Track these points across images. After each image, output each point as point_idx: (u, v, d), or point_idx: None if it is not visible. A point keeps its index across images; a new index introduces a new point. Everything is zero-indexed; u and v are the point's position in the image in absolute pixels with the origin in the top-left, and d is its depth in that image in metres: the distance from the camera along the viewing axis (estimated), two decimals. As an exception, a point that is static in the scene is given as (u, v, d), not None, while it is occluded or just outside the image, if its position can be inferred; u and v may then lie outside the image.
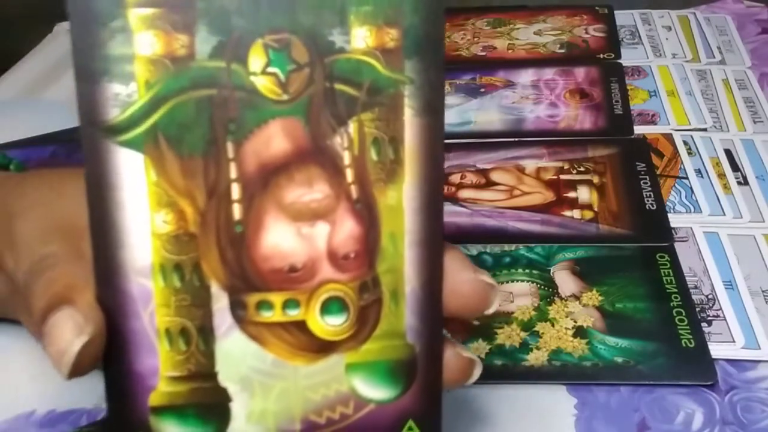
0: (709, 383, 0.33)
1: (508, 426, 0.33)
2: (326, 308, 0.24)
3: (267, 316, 0.24)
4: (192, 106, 0.23)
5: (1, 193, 0.34)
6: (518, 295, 0.38)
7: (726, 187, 0.44)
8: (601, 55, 0.57)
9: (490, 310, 0.26)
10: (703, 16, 0.60)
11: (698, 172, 0.45)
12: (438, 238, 0.25)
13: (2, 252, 0.32)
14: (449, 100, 0.53)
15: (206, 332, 0.24)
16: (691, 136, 0.48)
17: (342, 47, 0.23)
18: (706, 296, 0.37)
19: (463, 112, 0.52)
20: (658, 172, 0.45)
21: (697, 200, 0.43)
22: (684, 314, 0.36)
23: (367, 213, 0.24)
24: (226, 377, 0.24)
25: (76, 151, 0.50)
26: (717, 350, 0.35)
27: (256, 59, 0.23)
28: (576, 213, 0.43)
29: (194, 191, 0.23)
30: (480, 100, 0.53)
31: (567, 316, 0.37)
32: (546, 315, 0.37)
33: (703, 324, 0.36)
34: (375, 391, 0.25)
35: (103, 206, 0.23)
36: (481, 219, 0.43)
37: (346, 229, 0.24)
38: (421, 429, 0.25)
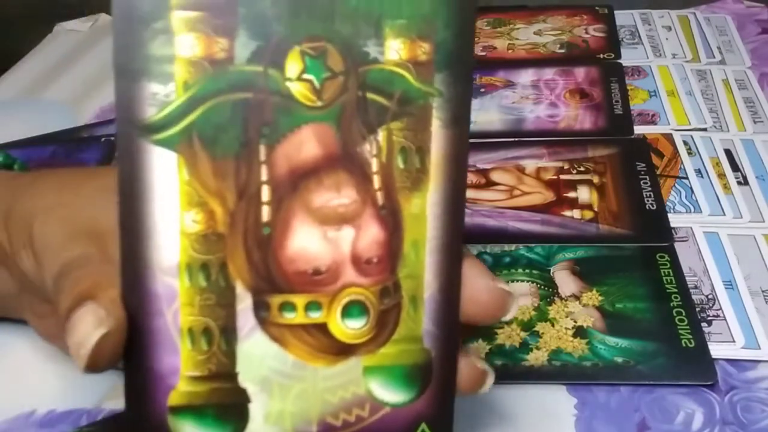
0: (709, 383, 0.33)
1: (508, 426, 0.33)
2: (347, 312, 0.25)
3: (289, 317, 0.24)
4: (228, 109, 0.23)
5: (15, 192, 0.33)
6: (518, 295, 0.38)
7: (726, 187, 0.44)
8: (601, 55, 0.57)
9: (507, 317, 0.26)
10: (703, 16, 0.60)
11: (698, 172, 0.45)
12: (458, 245, 0.25)
13: (17, 251, 0.32)
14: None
15: (229, 332, 0.24)
16: (691, 136, 0.48)
17: (376, 58, 0.24)
18: (706, 296, 0.37)
19: (463, 112, 0.51)
20: (658, 172, 0.45)
21: (697, 200, 0.43)
22: (684, 314, 0.36)
23: (391, 219, 0.25)
24: (246, 378, 0.25)
25: (76, 151, 0.50)
26: (717, 350, 0.35)
27: (293, 65, 0.23)
28: (576, 213, 0.43)
29: (225, 192, 0.24)
30: (480, 100, 0.53)
31: (567, 316, 0.37)
32: (546, 315, 0.37)
33: (703, 324, 0.36)
34: (391, 395, 0.25)
35: (134, 203, 0.23)
36: (481, 219, 0.43)
37: (371, 234, 0.25)
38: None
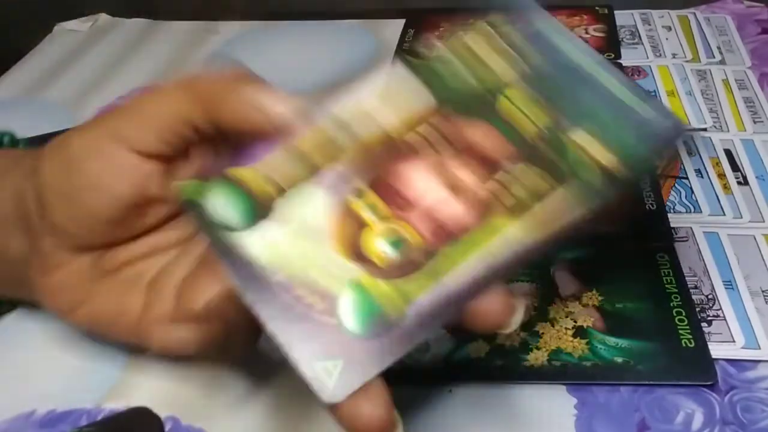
0: (709, 383, 0.33)
1: (508, 426, 0.33)
2: (391, 239, 0.27)
3: (358, 203, 0.27)
4: None
5: (58, 165, 0.31)
6: (518, 295, 0.38)
7: (726, 187, 0.44)
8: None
9: (508, 330, 0.26)
10: (703, 16, 0.60)
11: (698, 172, 0.45)
12: (491, 282, 0.26)
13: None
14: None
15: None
16: (691, 136, 0.48)
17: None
18: (706, 296, 0.37)
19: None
20: (658, 172, 0.45)
21: (697, 200, 0.43)
22: (684, 314, 0.36)
23: (481, 212, 0.27)
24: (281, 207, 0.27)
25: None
26: (717, 350, 0.35)
27: None
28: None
29: None
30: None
31: (567, 316, 0.37)
32: (546, 315, 0.37)
33: (703, 324, 0.36)
34: (349, 319, 0.26)
35: None
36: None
37: (458, 211, 0.27)
38: (342, 372, 0.25)
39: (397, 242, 0.27)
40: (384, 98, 0.29)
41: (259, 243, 0.27)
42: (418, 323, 0.25)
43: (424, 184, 0.27)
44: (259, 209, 0.27)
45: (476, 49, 0.31)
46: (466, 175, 0.28)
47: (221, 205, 0.27)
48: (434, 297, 0.26)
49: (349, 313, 0.26)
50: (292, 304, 0.26)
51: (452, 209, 0.27)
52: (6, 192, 0.33)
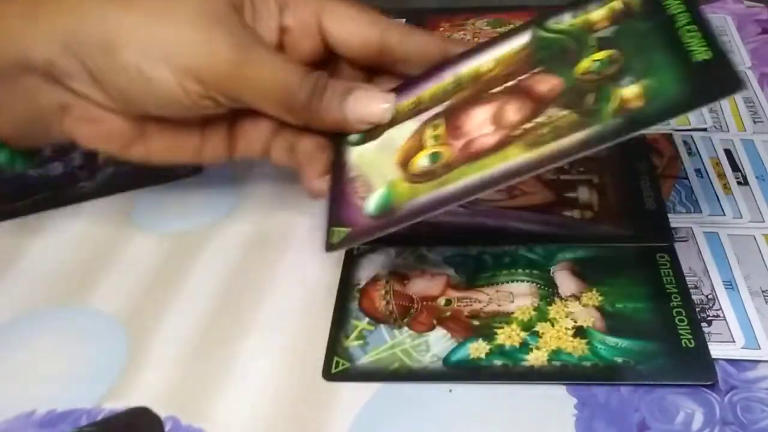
0: (709, 383, 0.33)
1: (508, 426, 0.33)
2: (432, 156, 0.34)
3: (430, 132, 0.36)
4: None
5: (75, 17, 0.34)
6: (518, 295, 0.38)
7: (726, 187, 0.44)
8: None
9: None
10: (703, 16, 0.60)
11: (698, 172, 0.45)
12: (484, 187, 0.32)
13: (90, 74, 0.34)
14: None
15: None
16: (691, 136, 0.48)
17: None
18: (706, 296, 0.37)
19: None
20: (658, 172, 0.45)
21: (697, 200, 0.43)
22: (684, 314, 0.36)
23: (505, 143, 0.32)
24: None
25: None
26: (717, 350, 0.35)
27: None
28: (576, 213, 0.42)
29: None
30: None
31: (567, 316, 0.37)
32: (546, 315, 0.37)
33: (703, 324, 0.36)
34: (370, 206, 0.34)
35: None
36: (482, 219, 0.43)
37: (490, 141, 0.33)
38: (344, 237, 0.34)
39: (434, 158, 0.34)
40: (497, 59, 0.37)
41: (357, 152, 0.36)
42: (405, 214, 0.33)
43: (480, 119, 0.34)
44: (369, 135, 0.37)
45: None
46: (515, 116, 0.33)
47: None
48: (431, 198, 0.32)
49: (372, 201, 0.34)
50: (349, 190, 0.35)
51: (486, 140, 0.32)
52: (47, 32, 0.34)
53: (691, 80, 0.30)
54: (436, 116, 0.35)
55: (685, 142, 0.47)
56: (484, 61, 0.36)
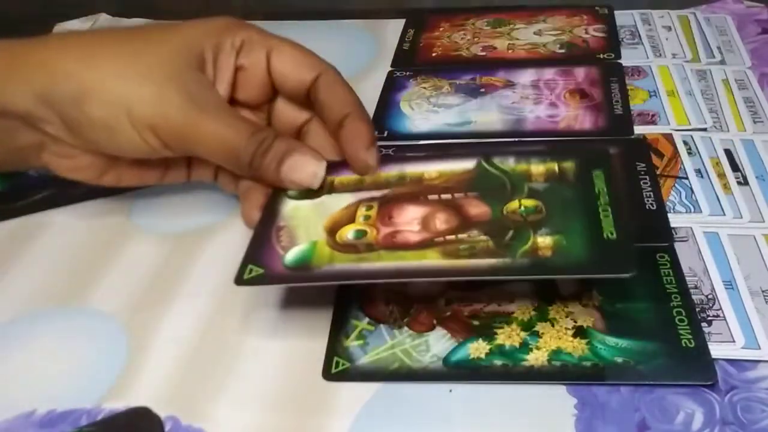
0: (709, 383, 0.33)
1: (508, 426, 0.33)
2: (357, 233, 0.37)
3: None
4: None
5: (49, 73, 0.38)
6: (518, 295, 0.38)
7: (726, 187, 0.44)
8: (601, 55, 0.57)
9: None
10: (703, 16, 0.60)
11: (698, 172, 0.45)
12: (392, 276, 0.36)
13: (64, 122, 0.38)
14: (449, 100, 0.53)
15: None
16: (691, 136, 0.48)
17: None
18: (706, 296, 0.37)
19: (463, 112, 0.52)
20: (658, 172, 0.45)
21: (697, 200, 0.43)
22: (684, 314, 0.36)
23: (425, 245, 0.36)
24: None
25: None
26: (717, 350, 0.35)
27: None
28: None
29: None
30: (480, 100, 0.53)
31: (567, 316, 0.37)
32: (546, 315, 0.37)
33: (703, 324, 0.36)
34: (289, 256, 0.36)
35: None
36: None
37: (412, 237, 0.36)
38: (256, 275, 0.35)
39: (359, 235, 0.36)
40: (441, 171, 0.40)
41: (291, 205, 0.39)
42: (320, 275, 0.35)
43: (410, 217, 0.37)
44: (307, 194, 0.39)
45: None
46: (441, 225, 0.36)
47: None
48: (347, 269, 0.35)
49: (292, 254, 0.36)
50: (273, 237, 0.37)
51: (410, 236, 0.36)
52: (23, 87, 0.38)
53: (592, 251, 0.34)
54: (372, 199, 0.39)
55: (685, 142, 0.47)
56: (430, 169, 0.40)
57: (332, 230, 0.37)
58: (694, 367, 0.34)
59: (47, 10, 0.72)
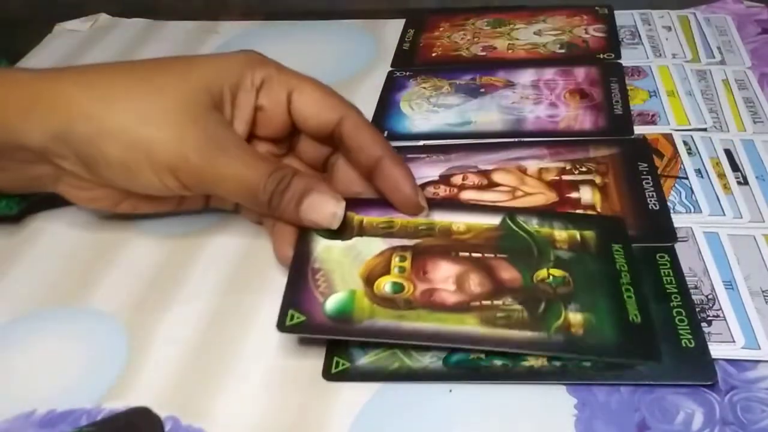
0: (709, 383, 0.33)
1: (508, 426, 0.33)
2: (395, 286, 0.37)
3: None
4: None
5: (66, 112, 0.38)
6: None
7: (726, 187, 0.44)
8: (601, 55, 0.57)
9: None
10: (703, 16, 0.60)
11: (698, 172, 0.45)
12: (431, 340, 0.36)
13: (81, 162, 0.38)
14: (449, 100, 0.53)
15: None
16: (691, 136, 0.48)
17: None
18: (706, 296, 0.37)
19: (462, 113, 0.52)
20: (658, 172, 0.45)
21: (697, 200, 0.43)
22: (684, 314, 0.36)
23: (463, 308, 0.36)
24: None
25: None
26: (717, 350, 0.35)
27: None
28: (579, 213, 0.42)
29: None
30: (480, 100, 0.53)
31: (567, 317, 0.37)
32: (546, 315, 0.37)
33: (703, 324, 0.36)
34: (329, 305, 0.36)
35: None
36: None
37: (450, 298, 0.36)
38: (298, 323, 0.35)
39: (397, 288, 0.37)
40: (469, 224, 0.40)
41: (323, 244, 0.39)
42: (363, 330, 0.35)
43: (445, 274, 0.37)
44: (342, 235, 0.39)
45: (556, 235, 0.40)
46: (476, 288, 0.37)
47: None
48: (389, 326, 0.35)
49: (332, 302, 0.36)
50: (310, 280, 0.37)
51: (447, 296, 0.36)
52: (40, 125, 0.38)
53: (620, 335, 0.35)
54: (404, 248, 0.39)
55: (685, 142, 0.47)
56: (458, 221, 0.40)
57: (369, 279, 0.37)
58: (695, 367, 0.34)
59: (47, 10, 0.72)
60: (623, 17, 0.61)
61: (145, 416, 0.34)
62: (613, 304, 0.36)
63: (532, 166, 0.46)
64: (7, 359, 0.38)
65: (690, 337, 0.35)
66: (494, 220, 0.40)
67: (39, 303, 0.41)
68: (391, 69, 0.57)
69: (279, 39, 0.63)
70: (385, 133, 0.50)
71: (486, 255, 0.38)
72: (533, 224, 0.40)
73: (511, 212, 0.41)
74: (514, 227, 0.40)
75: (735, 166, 0.45)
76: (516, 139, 0.49)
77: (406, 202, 0.40)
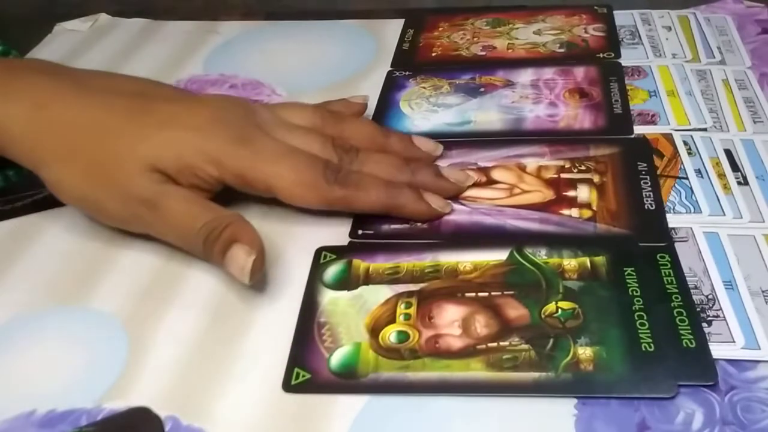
0: (709, 383, 0.33)
1: (508, 426, 0.33)
2: (400, 336, 0.37)
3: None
4: None
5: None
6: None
7: (726, 187, 0.44)
8: (601, 55, 0.57)
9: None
10: (703, 16, 0.60)
11: (698, 172, 0.45)
12: (438, 390, 0.35)
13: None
14: (449, 99, 0.53)
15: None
16: (691, 136, 0.48)
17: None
18: (706, 296, 0.37)
19: (462, 112, 0.52)
20: (658, 173, 0.45)
21: (697, 200, 0.43)
22: (684, 314, 0.36)
23: (468, 352, 0.36)
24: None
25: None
26: (717, 350, 0.35)
27: None
28: (575, 212, 0.43)
29: None
30: (479, 100, 0.53)
31: (567, 317, 0.37)
32: (546, 315, 0.37)
33: (703, 324, 0.36)
34: (334, 360, 0.36)
35: None
36: (480, 217, 0.43)
37: (456, 343, 0.36)
38: (303, 381, 0.35)
39: (402, 337, 0.36)
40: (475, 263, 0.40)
41: (329, 296, 0.39)
42: (367, 385, 0.35)
43: (450, 318, 0.37)
44: (348, 285, 0.39)
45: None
46: (482, 329, 0.36)
47: (332, 273, 0.40)
48: (393, 378, 0.35)
49: (337, 357, 0.36)
50: (316, 334, 0.37)
51: (453, 342, 0.36)
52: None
53: (632, 368, 0.34)
54: (410, 294, 0.38)
55: (685, 142, 0.47)
56: (464, 261, 0.40)
57: (374, 330, 0.37)
58: (695, 367, 0.34)
59: (47, 10, 0.72)
60: (623, 17, 0.61)
61: (145, 416, 0.34)
62: (625, 333, 0.35)
63: (531, 163, 0.46)
64: (7, 359, 0.38)
65: (691, 337, 0.35)
66: (502, 255, 0.40)
67: (39, 303, 0.41)
68: (390, 69, 0.57)
69: (279, 39, 0.63)
70: (385, 132, 0.50)
71: (493, 293, 0.38)
72: (541, 255, 0.40)
73: (518, 245, 0.40)
74: (521, 260, 0.39)
75: (735, 166, 0.45)
76: (516, 138, 0.49)
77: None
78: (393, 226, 0.43)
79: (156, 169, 0.40)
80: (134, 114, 0.42)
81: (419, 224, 0.43)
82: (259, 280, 0.39)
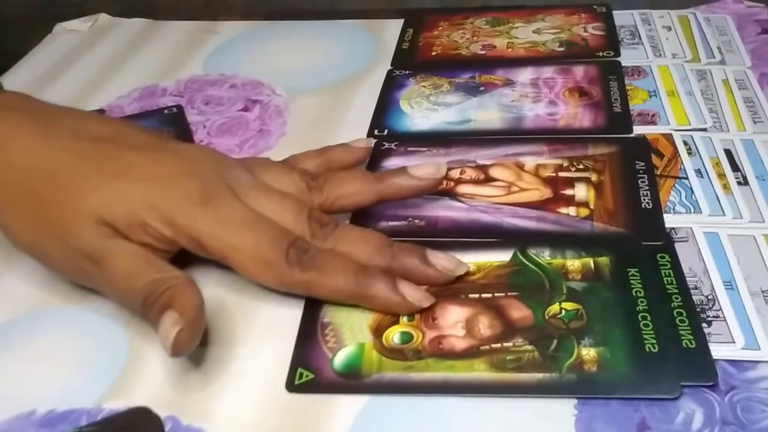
0: (709, 383, 0.33)
1: (508, 426, 0.33)
2: (403, 336, 0.37)
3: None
4: None
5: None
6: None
7: (726, 187, 0.44)
8: (600, 54, 0.57)
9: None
10: (703, 16, 0.60)
11: (698, 172, 0.45)
12: (439, 390, 0.35)
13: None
14: (448, 98, 0.53)
15: None
16: (691, 136, 0.48)
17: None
18: (706, 296, 0.37)
19: (462, 111, 0.52)
20: (658, 173, 0.45)
21: (697, 200, 0.43)
22: (685, 315, 0.36)
23: (472, 353, 0.35)
24: None
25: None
26: (717, 351, 0.35)
27: None
28: (572, 210, 0.43)
29: None
30: (479, 99, 0.53)
31: (567, 317, 0.37)
32: (546, 315, 0.37)
33: (703, 324, 0.36)
34: (338, 360, 0.36)
35: None
36: (477, 214, 0.43)
37: (459, 344, 0.36)
38: (307, 381, 0.35)
39: (406, 338, 0.36)
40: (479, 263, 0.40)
41: None
42: (371, 385, 0.35)
43: (454, 320, 0.37)
44: None
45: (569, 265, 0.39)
46: (486, 330, 0.36)
47: None
48: (397, 379, 0.34)
49: (340, 358, 0.36)
50: (319, 335, 0.37)
51: (456, 342, 0.36)
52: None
53: (636, 368, 0.34)
54: None
55: (685, 142, 0.47)
56: (468, 261, 0.39)
57: (378, 331, 0.37)
58: (695, 368, 0.34)
59: (47, 10, 0.72)
60: (623, 17, 0.61)
61: (145, 416, 0.34)
62: (629, 334, 0.35)
63: (530, 162, 0.46)
64: (7, 359, 0.38)
65: (691, 337, 0.35)
66: (505, 256, 0.40)
67: (39, 303, 0.41)
68: (390, 68, 0.57)
69: (279, 39, 0.63)
70: (386, 131, 0.50)
71: (496, 294, 0.38)
72: (545, 256, 0.40)
73: (522, 246, 0.40)
74: (525, 261, 0.39)
75: (735, 166, 0.45)
76: (516, 136, 0.49)
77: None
78: (391, 224, 0.43)
79: (104, 222, 0.37)
80: (92, 161, 0.38)
81: (417, 222, 0.43)
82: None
